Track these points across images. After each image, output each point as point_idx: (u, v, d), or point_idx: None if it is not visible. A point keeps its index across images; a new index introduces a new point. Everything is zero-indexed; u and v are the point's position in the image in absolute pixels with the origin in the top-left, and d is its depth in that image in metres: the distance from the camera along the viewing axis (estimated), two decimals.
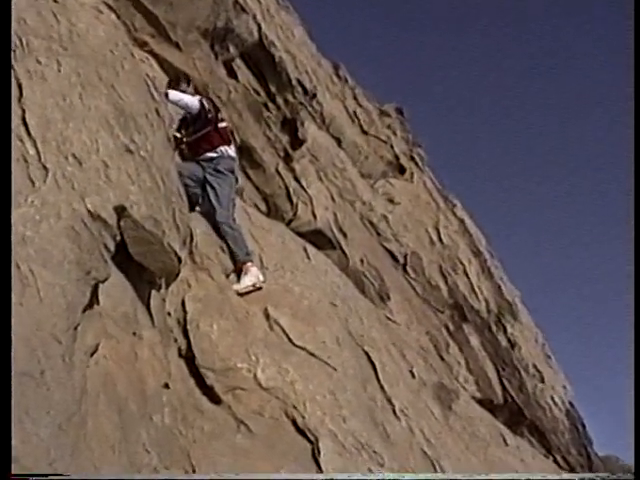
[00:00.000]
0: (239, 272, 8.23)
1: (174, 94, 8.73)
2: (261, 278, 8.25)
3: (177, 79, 9.23)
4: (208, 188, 8.67)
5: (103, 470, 4.25)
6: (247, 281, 8.13)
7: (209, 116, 8.84)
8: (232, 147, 9.10)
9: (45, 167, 5.03)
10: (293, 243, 9.97)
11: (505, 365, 16.57)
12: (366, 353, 8.68)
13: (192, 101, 8.81)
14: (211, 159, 8.82)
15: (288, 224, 12.03)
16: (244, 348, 7.11)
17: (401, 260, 15.75)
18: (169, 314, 6.94)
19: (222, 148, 8.89)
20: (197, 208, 8.67)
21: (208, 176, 8.72)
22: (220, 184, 8.67)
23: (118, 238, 5.49)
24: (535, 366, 18.11)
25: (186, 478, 5.38)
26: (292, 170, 13.83)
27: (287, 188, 13.04)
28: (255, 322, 7.61)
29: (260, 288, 8.18)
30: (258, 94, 14.70)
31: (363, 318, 9.45)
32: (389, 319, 12.10)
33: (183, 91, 8.91)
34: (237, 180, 9.09)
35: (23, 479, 3.57)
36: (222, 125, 9.06)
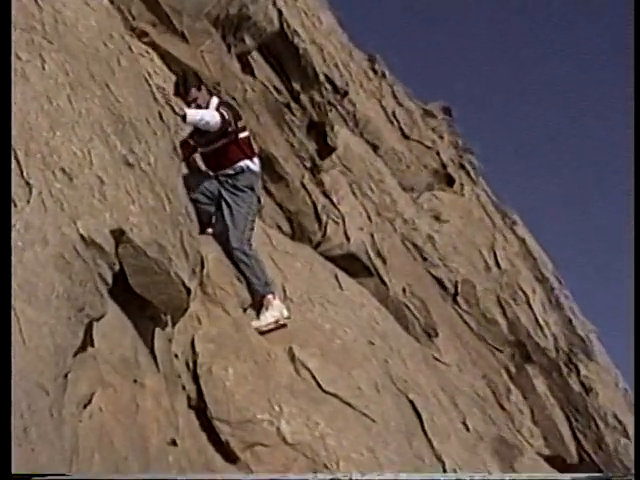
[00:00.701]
0: (259, 306, 8.23)
1: (192, 114, 8.34)
2: (285, 313, 8.25)
3: (185, 82, 8.90)
4: (223, 206, 8.64)
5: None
6: (268, 317, 8.13)
7: (229, 129, 8.60)
8: (255, 160, 8.97)
9: (29, 184, 5.00)
10: (322, 270, 9.97)
11: (579, 415, 16.40)
12: (410, 401, 8.64)
13: (213, 117, 8.42)
14: (229, 175, 8.76)
15: (316, 247, 12.04)
16: (265, 396, 7.10)
17: (451, 289, 15.67)
18: (176, 356, 6.94)
19: (242, 163, 8.78)
20: (209, 230, 8.67)
21: (224, 192, 8.69)
22: (237, 202, 8.62)
23: (116, 267, 5.49)
24: (616, 416, 17.85)
25: (187, 478, 5.42)
26: (320, 183, 13.83)
27: (314, 205, 13.04)
28: (278, 365, 7.60)
29: (284, 325, 8.19)
30: (279, 93, 14.76)
31: (406, 359, 9.42)
32: (437, 360, 12.05)
33: (195, 98, 8.63)
34: (259, 200, 9.03)
35: (23, 479, 3.71)
36: (243, 135, 8.87)
